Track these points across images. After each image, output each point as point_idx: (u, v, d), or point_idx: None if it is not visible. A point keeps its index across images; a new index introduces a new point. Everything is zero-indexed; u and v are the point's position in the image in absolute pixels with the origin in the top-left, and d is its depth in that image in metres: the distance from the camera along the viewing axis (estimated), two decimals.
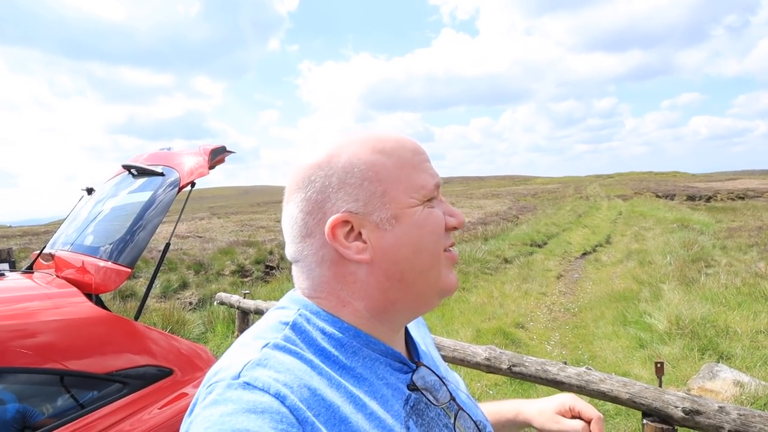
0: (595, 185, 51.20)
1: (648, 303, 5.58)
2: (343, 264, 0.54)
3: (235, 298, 4.34)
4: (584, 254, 10.59)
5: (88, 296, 1.60)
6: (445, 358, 2.42)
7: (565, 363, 2.25)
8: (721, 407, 1.83)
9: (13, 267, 2.83)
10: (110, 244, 1.73)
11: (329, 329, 0.54)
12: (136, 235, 1.70)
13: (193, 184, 1.85)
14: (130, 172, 2.04)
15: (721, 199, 31.53)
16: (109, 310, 1.63)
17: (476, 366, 2.47)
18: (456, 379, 0.69)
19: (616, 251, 10.34)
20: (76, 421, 1.33)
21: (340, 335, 0.54)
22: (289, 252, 0.58)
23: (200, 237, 13.36)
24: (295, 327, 0.53)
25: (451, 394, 0.60)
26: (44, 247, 2.15)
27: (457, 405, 0.60)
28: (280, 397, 0.43)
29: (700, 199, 31.60)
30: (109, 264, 1.64)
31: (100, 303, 1.71)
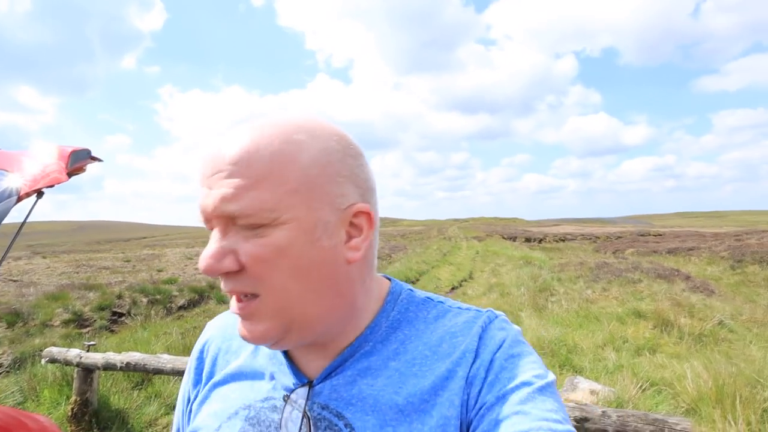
0: (455, 228, 56.88)
1: None
2: None
3: (73, 353, 3.45)
4: (453, 288, 11.42)
5: None
6: None
7: None
8: (603, 411, 2.02)
9: None
10: None
11: None
12: None
13: (40, 193, 1.43)
14: None
15: (549, 241, 37.64)
16: None
17: None
18: None
19: (479, 285, 11.39)
20: None
21: None
22: None
23: (15, 281, 10.69)
24: None
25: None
26: None
27: None
28: (205, 338, 0.65)
29: (534, 241, 37.24)
30: None
31: None
